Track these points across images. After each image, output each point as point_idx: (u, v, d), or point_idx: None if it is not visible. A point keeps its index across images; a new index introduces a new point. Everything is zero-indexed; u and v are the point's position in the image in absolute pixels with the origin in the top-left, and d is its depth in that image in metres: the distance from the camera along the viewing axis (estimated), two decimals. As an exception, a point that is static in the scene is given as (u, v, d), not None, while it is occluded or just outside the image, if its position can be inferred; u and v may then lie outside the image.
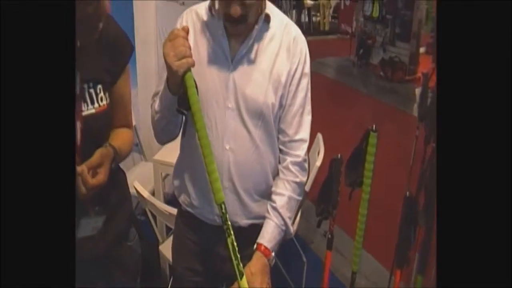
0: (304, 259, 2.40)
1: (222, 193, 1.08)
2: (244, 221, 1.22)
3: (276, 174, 1.23)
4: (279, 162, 1.23)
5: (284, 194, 1.19)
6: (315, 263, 2.43)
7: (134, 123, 1.48)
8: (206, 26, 1.17)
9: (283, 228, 1.19)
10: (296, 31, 1.19)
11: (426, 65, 6.78)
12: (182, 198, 1.29)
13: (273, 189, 1.21)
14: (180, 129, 1.20)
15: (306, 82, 1.19)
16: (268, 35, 1.15)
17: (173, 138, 1.25)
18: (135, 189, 1.82)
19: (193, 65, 1.03)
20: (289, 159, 1.20)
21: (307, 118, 1.21)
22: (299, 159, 1.20)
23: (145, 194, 1.83)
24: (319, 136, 2.40)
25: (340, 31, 8.90)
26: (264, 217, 1.20)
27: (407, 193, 1.41)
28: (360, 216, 1.42)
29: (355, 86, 6.40)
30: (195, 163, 1.18)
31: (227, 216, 1.07)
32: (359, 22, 7.33)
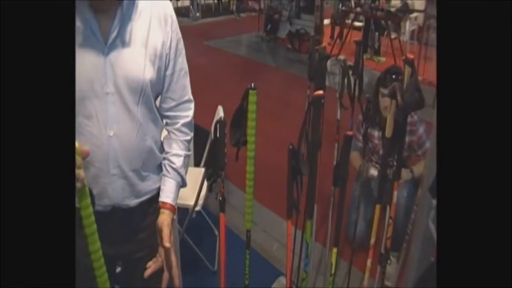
0: (216, 233, 2.43)
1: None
2: (134, 201, 1.21)
3: (160, 146, 1.25)
4: (167, 125, 1.26)
5: (181, 154, 1.26)
6: (227, 234, 2.50)
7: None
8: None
9: (181, 184, 1.27)
10: None
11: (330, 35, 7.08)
12: None
13: (167, 149, 1.26)
14: None
15: (181, 46, 1.21)
16: (137, 11, 1.12)
17: None
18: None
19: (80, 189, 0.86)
20: (180, 121, 1.25)
21: (188, 79, 1.26)
22: (189, 119, 1.27)
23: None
24: (219, 108, 2.43)
25: (248, 8, 8.97)
26: (150, 192, 1.24)
27: (290, 145, 1.48)
28: (247, 174, 1.45)
29: (264, 60, 6.52)
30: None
31: None
32: (266, -2, 7.45)
